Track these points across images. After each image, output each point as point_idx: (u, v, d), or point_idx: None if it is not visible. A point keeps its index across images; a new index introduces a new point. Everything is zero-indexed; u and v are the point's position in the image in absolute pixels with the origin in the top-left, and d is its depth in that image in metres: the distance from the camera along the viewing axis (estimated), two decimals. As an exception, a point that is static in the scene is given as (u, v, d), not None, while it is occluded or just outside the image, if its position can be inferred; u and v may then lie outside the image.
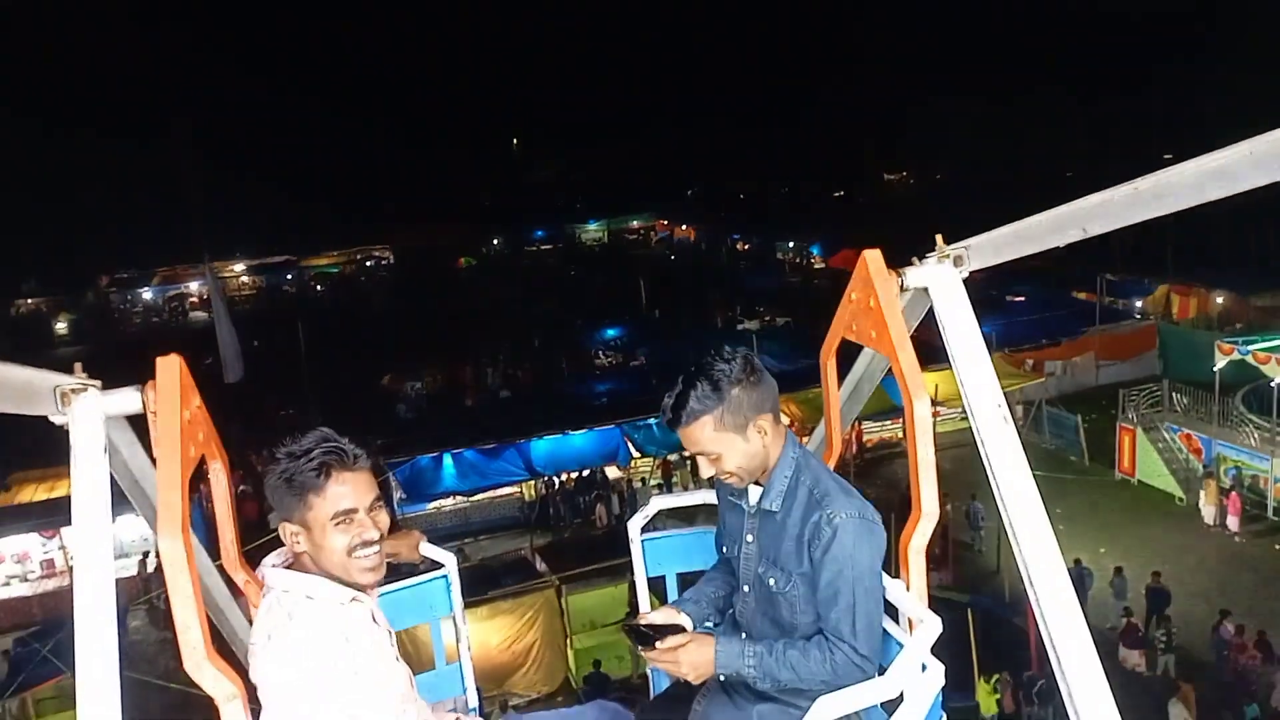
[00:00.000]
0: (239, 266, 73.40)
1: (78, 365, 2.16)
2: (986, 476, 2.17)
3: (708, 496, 2.82)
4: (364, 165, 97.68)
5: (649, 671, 2.95)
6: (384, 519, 2.30)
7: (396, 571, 2.74)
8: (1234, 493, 22.80)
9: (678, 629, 2.46)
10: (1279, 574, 20.81)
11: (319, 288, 74.31)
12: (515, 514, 27.59)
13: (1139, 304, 38.95)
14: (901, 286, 2.37)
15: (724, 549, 2.67)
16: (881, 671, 2.36)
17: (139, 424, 2.21)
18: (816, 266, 64.33)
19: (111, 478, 2.08)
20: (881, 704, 2.17)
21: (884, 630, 2.41)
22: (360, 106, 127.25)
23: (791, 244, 68.46)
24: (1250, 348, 23.87)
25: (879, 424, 30.56)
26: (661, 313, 49.37)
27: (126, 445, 2.25)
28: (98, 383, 2.08)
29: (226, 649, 2.30)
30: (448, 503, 27.00)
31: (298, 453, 2.22)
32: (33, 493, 25.46)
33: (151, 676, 19.51)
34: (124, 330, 61.76)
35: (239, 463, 31.27)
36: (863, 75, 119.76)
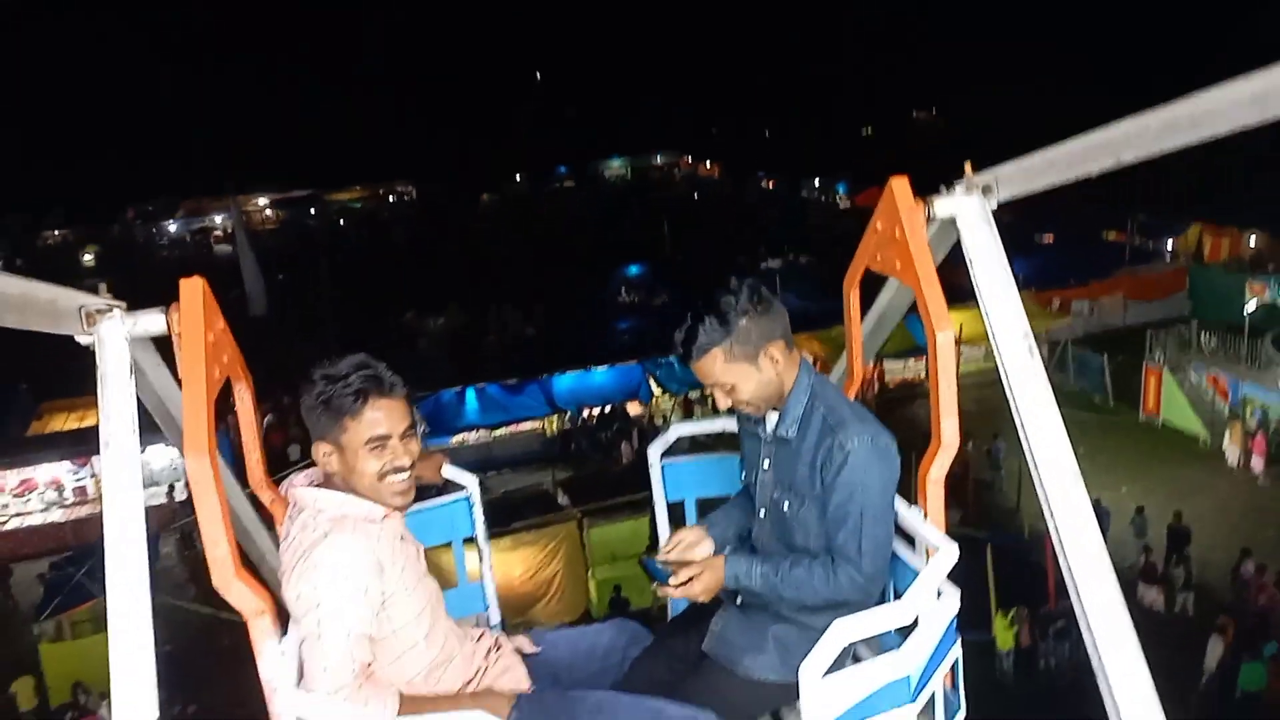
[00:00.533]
0: (263, 200, 73.46)
1: (103, 286, 2.17)
2: (1010, 410, 2.15)
3: (728, 424, 2.83)
4: (386, 101, 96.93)
5: (669, 603, 3.00)
6: (415, 446, 2.35)
7: (421, 493, 2.77)
8: (1259, 435, 22.61)
9: (688, 563, 2.49)
10: (1302, 515, 20.75)
11: (341, 222, 74.35)
12: (537, 448, 27.82)
13: (1170, 244, 38.31)
14: (929, 216, 2.32)
15: (744, 476, 2.70)
16: (897, 595, 2.45)
17: (164, 346, 2.22)
18: (842, 205, 63.67)
19: (138, 400, 2.09)
20: (897, 629, 2.19)
21: (900, 558, 2.44)
22: (381, 44, 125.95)
23: (818, 182, 67.61)
24: (1283, 289, 23.52)
25: (901, 362, 30.43)
26: (685, 251, 49.08)
27: (152, 367, 2.26)
28: (123, 304, 2.09)
29: (254, 569, 2.33)
30: (470, 436, 27.24)
31: (336, 376, 2.29)
32: (64, 421, 25.95)
33: (183, 601, 20.06)
34: (150, 262, 62.16)
35: (264, 395, 31.56)
36: (892, 8, 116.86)
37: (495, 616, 3.20)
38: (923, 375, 31.00)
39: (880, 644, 2.47)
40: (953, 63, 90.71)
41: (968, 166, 2.31)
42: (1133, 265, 34.48)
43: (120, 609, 1.90)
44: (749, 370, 2.36)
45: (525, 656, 2.67)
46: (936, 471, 2.33)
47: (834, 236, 47.72)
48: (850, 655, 2.37)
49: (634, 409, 28.55)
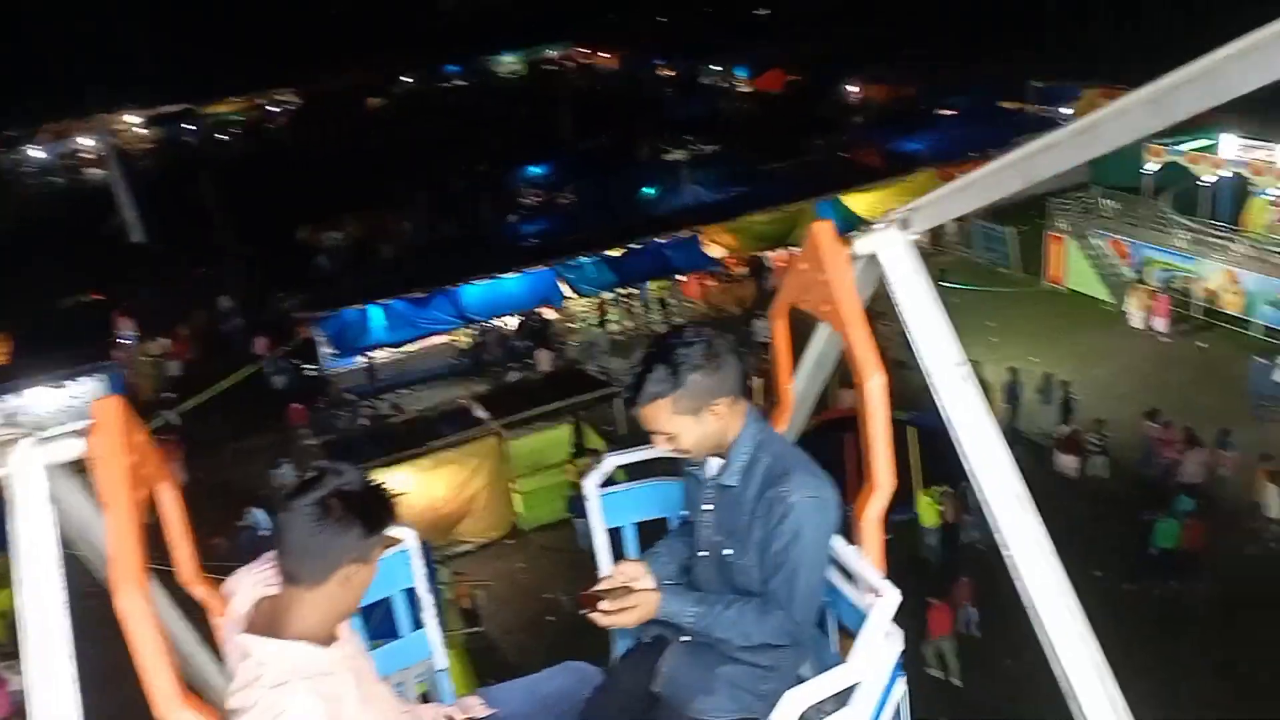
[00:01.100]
0: (133, 118, 68.92)
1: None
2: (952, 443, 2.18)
3: (665, 451, 2.75)
4: (256, 2, 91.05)
5: (610, 635, 3.07)
6: None
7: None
8: (1161, 295, 23.15)
9: (625, 590, 2.57)
10: (1205, 371, 21.42)
11: (222, 137, 70.48)
12: (450, 362, 27.07)
13: (1067, 111, 38.55)
14: (851, 256, 2.38)
15: (685, 509, 2.79)
16: (842, 628, 2.55)
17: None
18: (743, 89, 62.60)
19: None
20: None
21: (839, 590, 2.49)
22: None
23: (716, 67, 66.20)
24: (1181, 148, 23.76)
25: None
26: (586, 146, 47.76)
27: (68, 494, 2.13)
28: (36, 430, 2.03)
29: (196, 690, 2.27)
30: (380, 355, 26.31)
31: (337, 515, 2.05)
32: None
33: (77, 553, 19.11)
34: (19, 194, 58.11)
35: (157, 326, 30.12)
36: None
37: (440, 662, 3.16)
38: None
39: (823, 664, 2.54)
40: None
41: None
42: (1031, 134, 34.54)
43: None
44: (692, 422, 2.40)
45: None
46: (873, 512, 2.37)
47: (737, 122, 47.15)
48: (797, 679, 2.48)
49: (549, 314, 27.88)
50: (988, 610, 14.24)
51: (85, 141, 62.82)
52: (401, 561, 3.10)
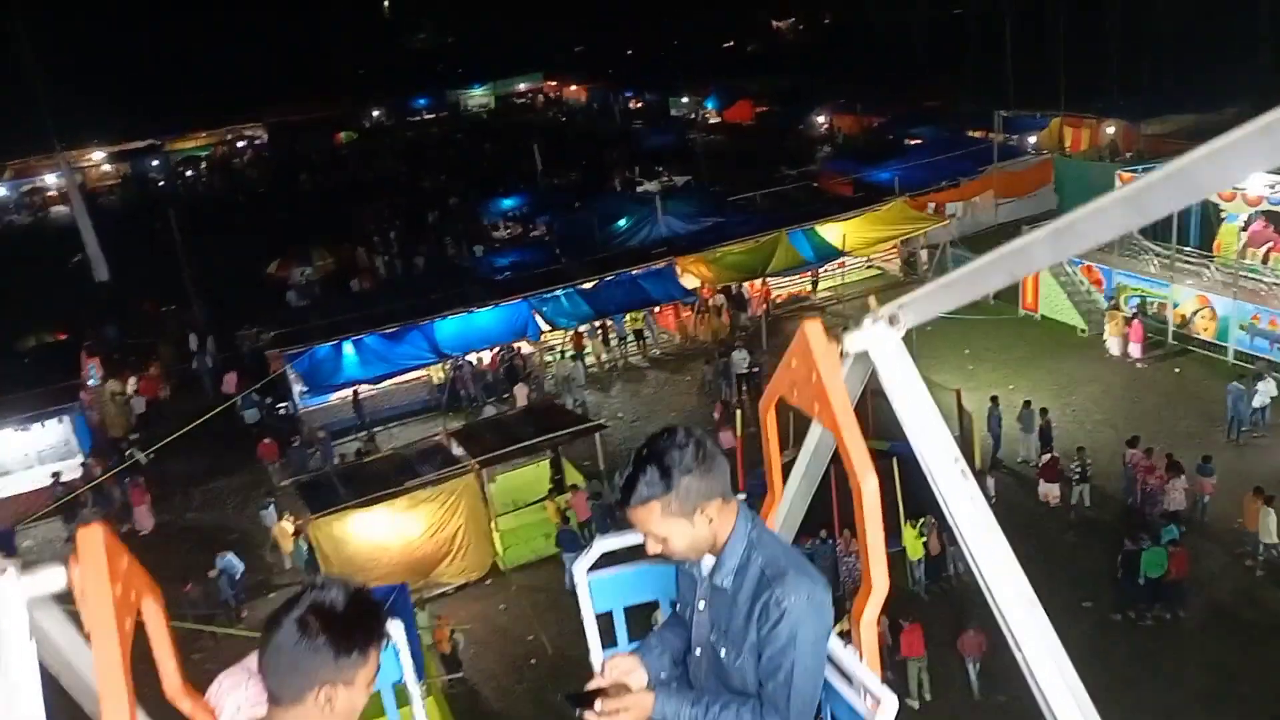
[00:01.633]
0: (98, 155, 68.14)
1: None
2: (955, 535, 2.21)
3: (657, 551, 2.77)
4: (223, 37, 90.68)
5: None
6: None
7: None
8: (1136, 321, 23.29)
9: (620, 689, 2.55)
10: (1181, 396, 21.51)
11: (188, 173, 69.88)
12: (425, 398, 26.70)
13: (1033, 139, 39.07)
14: (841, 353, 2.41)
15: (679, 604, 2.80)
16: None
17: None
18: (712, 121, 63.04)
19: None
20: None
21: (836, 690, 2.52)
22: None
23: (685, 99, 66.65)
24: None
25: (788, 279, 30.29)
26: (558, 179, 47.75)
27: (53, 626, 2.08)
28: (15, 562, 1.96)
29: None
30: (350, 393, 25.88)
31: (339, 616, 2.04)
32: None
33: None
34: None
35: (126, 366, 29.53)
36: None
37: None
38: (808, 289, 31.01)
39: None
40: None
41: (872, 300, 2.41)
42: (999, 163, 34.94)
43: None
44: (684, 525, 2.40)
45: None
46: (869, 614, 2.37)
47: (708, 155, 47.34)
48: None
49: (524, 348, 27.60)
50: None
51: (49, 179, 62.04)
52: (389, 657, 3.02)
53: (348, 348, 25.41)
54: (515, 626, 17.15)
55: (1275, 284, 22.37)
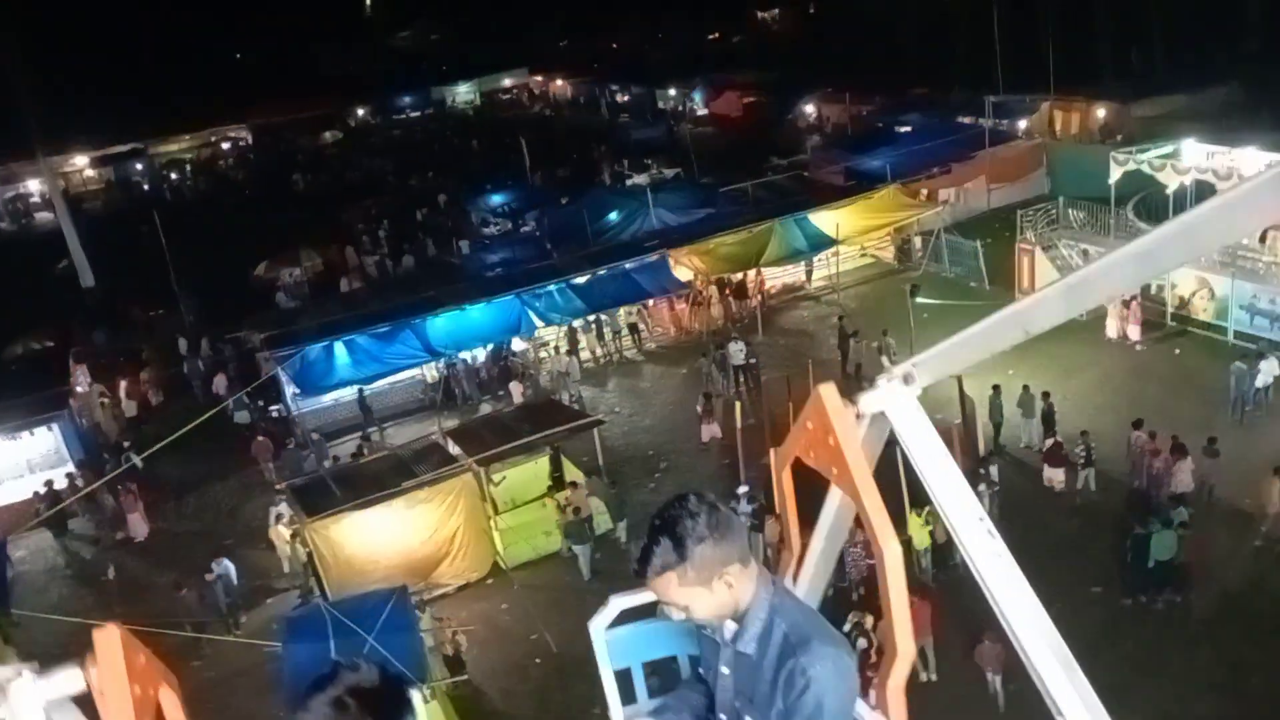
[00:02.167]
0: (81, 159, 67.46)
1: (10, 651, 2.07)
2: (984, 594, 2.24)
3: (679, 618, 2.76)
4: (205, 38, 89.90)
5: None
6: None
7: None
8: (1134, 303, 23.14)
9: None
10: (1181, 378, 21.35)
11: (173, 176, 69.27)
12: (420, 397, 26.41)
13: (1023, 124, 38.91)
14: (857, 414, 2.44)
15: (700, 669, 2.79)
16: None
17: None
18: (700, 113, 62.74)
19: None
20: None
21: None
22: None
23: (673, 92, 66.32)
24: (1145, 156, 23.84)
25: (781, 269, 30.09)
26: (547, 174, 47.42)
27: None
28: (33, 666, 1.99)
29: None
30: (346, 393, 25.60)
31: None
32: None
33: (40, 610, 18.27)
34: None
35: (116, 371, 29.16)
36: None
37: None
38: (802, 279, 30.80)
39: None
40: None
41: (885, 360, 2.71)
42: (991, 148, 34.78)
43: None
44: (703, 593, 2.38)
45: None
46: (895, 679, 2.36)
47: (696, 147, 47.05)
48: None
49: (518, 345, 27.34)
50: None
51: (32, 185, 61.43)
52: None
53: (339, 348, 25.11)
54: (518, 626, 16.93)
55: (1274, 263, 22.24)
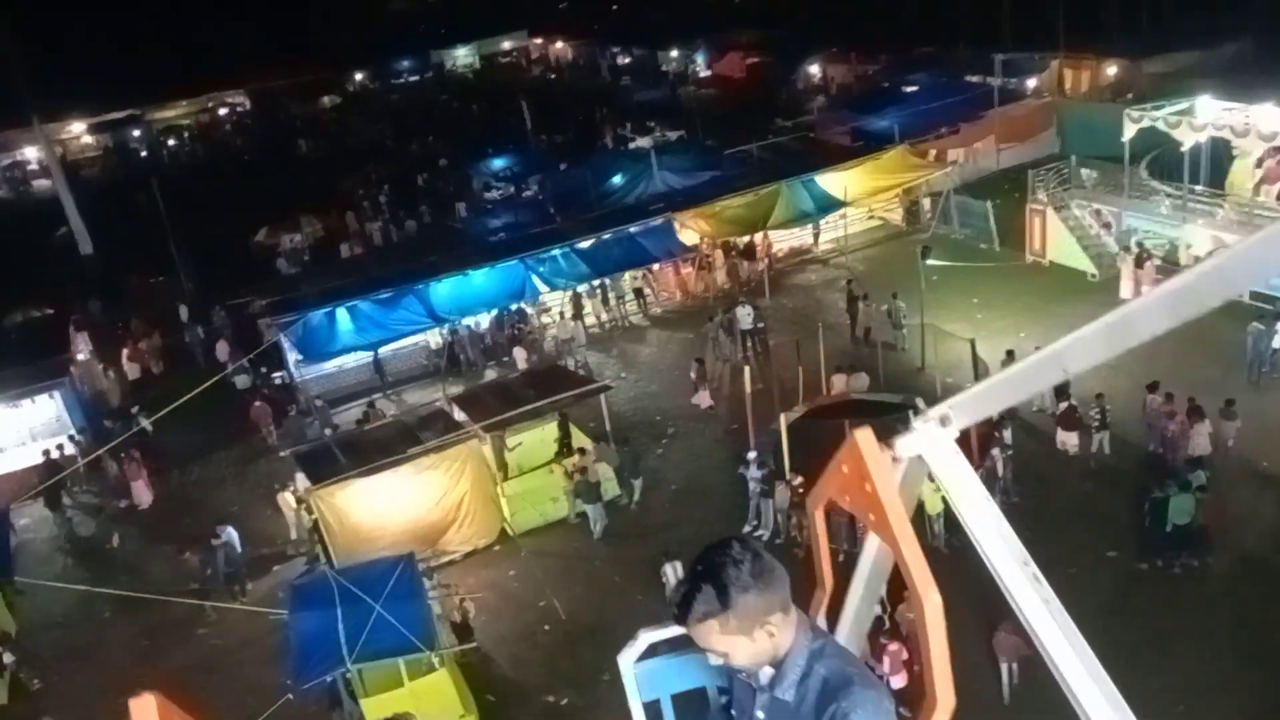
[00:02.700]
0: (77, 126, 66.78)
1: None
2: (1028, 632, 2.22)
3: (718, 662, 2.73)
4: (201, 2, 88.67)
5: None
6: None
7: None
8: (1148, 263, 22.78)
9: None
10: (1197, 339, 20.85)
11: (171, 142, 68.67)
12: (424, 363, 26.16)
13: (1032, 83, 38.29)
14: (894, 457, 2.41)
15: (732, 711, 2.78)
16: None
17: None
18: (703, 75, 61.95)
19: None
20: None
21: None
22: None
23: (675, 53, 65.41)
24: (1160, 113, 23.36)
25: (788, 232, 29.68)
26: (549, 137, 46.84)
27: None
28: None
29: None
30: (349, 359, 25.35)
31: None
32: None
33: (45, 579, 18.20)
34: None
35: (116, 339, 28.89)
36: None
37: None
38: (809, 242, 30.39)
39: None
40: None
41: (919, 402, 2.79)
42: (1000, 107, 34.22)
43: None
44: (744, 641, 2.35)
45: None
46: None
47: (701, 108, 46.46)
48: None
49: (523, 309, 27.01)
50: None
51: (28, 152, 60.87)
52: None
53: (342, 314, 24.85)
54: (526, 593, 16.77)
55: (1291, 221, 21.82)
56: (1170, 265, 23.21)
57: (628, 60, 70.62)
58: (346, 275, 29.38)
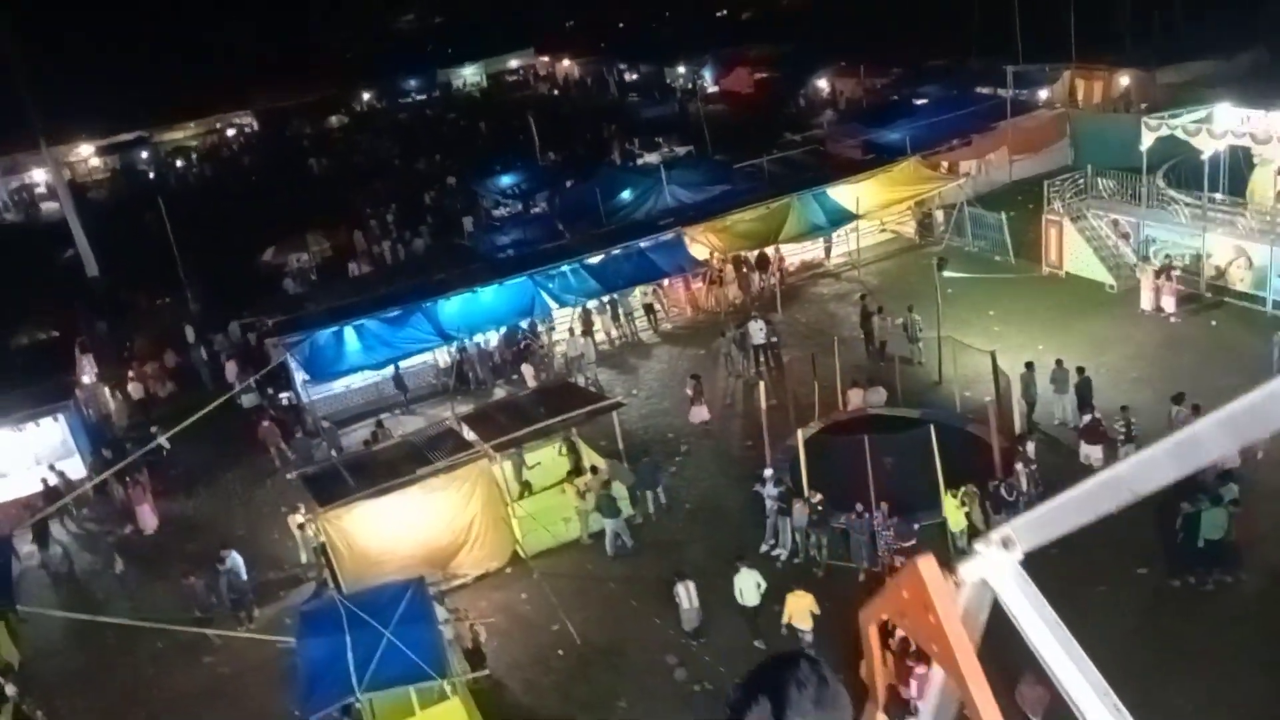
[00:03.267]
0: (85, 149, 66.99)
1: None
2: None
3: None
4: (208, 24, 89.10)
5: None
6: None
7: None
8: (1167, 274, 22.37)
9: None
10: (1219, 350, 20.57)
11: (179, 163, 68.79)
12: (432, 382, 25.82)
13: (1044, 94, 37.95)
14: (957, 584, 2.36)
15: None
16: None
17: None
18: (710, 90, 61.83)
19: None
20: None
21: None
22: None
23: (682, 69, 65.35)
24: (1178, 121, 22.99)
25: (799, 246, 29.32)
26: (557, 154, 46.66)
27: None
28: None
29: None
30: (357, 379, 25.04)
31: None
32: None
33: (48, 606, 17.85)
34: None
35: (123, 361, 28.69)
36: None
37: None
38: (820, 256, 30.03)
39: None
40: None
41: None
42: (1012, 118, 33.89)
43: None
44: None
45: None
46: None
47: (710, 123, 46.23)
48: None
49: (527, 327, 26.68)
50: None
51: (36, 175, 61.00)
52: None
53: (349, 333, 24.55)
54: (539, 616, 16.35)
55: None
56: (1191, 275, 22.85)
57: (635, 77, 70.65)
58: (354, 294, 29.13)
